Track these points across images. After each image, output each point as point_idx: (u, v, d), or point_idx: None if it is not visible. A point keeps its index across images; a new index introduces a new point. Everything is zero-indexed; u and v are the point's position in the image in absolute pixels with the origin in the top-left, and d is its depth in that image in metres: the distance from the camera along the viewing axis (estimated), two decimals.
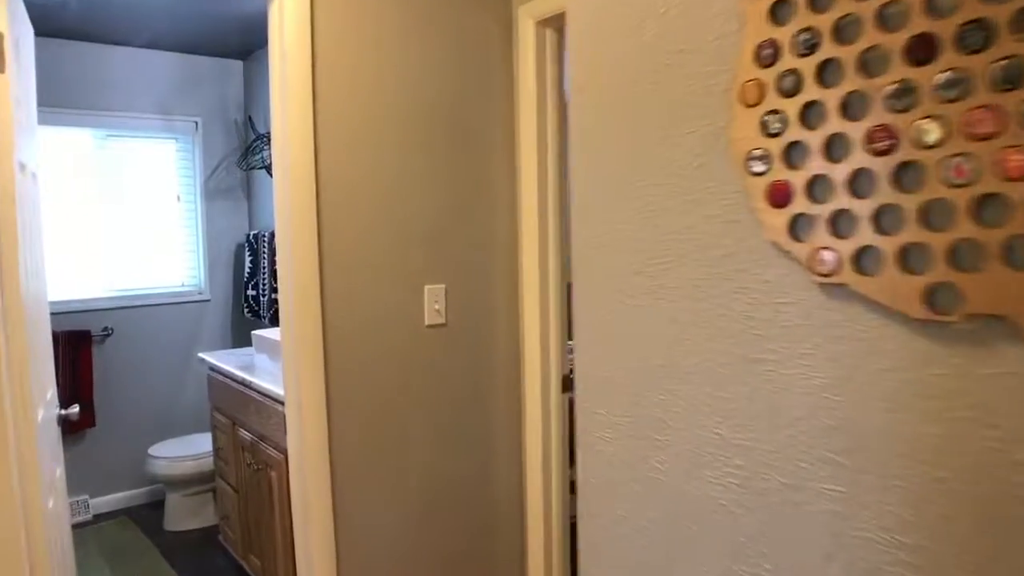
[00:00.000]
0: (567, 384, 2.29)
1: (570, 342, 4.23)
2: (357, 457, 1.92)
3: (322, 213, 1.81)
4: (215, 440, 2.99)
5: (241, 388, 2.62)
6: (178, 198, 3.84)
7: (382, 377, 1.94)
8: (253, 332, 2.78)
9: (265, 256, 3.62)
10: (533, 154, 2.15)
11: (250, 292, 3.77)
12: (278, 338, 2.58)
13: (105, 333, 3.58)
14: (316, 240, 1.80)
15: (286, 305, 1.83)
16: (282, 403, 2.21)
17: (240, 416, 2.66)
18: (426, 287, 2.01)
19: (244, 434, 2.63)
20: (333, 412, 1.87)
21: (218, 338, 3.91)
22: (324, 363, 1.83)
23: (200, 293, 3.88)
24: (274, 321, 3.49)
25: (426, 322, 2.02)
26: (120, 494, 3.67)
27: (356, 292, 1.88)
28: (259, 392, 2.47)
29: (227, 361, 2.86)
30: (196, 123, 3.83)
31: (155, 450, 3.34)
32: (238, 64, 3.94)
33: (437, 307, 2.03)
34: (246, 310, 3.80)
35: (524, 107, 2.16)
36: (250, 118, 3.83)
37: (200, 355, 2.99)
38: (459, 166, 2.06)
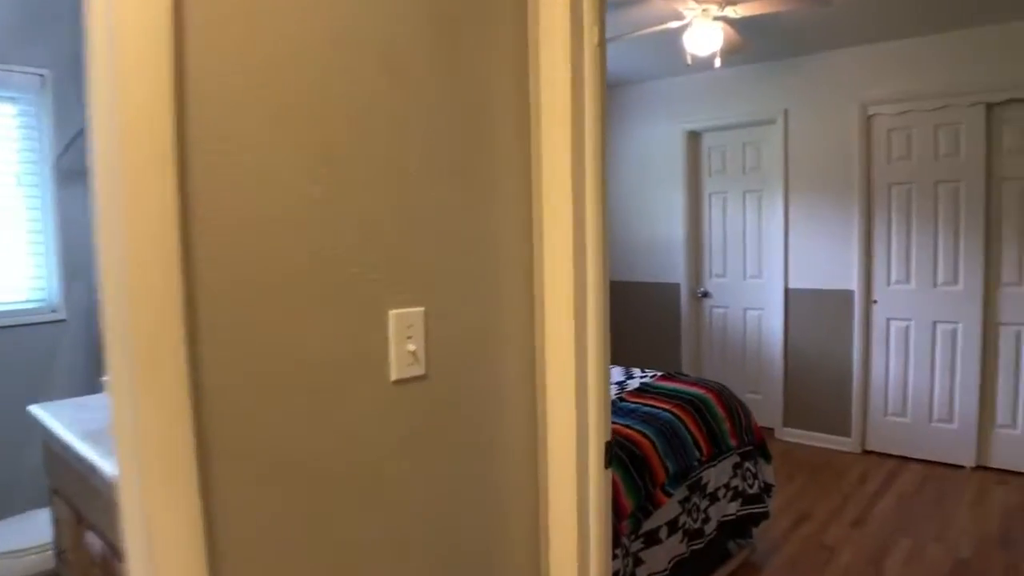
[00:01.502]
0: (609, 454, 1.47)
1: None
2: None
3: (191, 187, 0.91)
4: (56, 535, 2.01)
5: (87, 470, 1.66)
6: (18, 181, 2.79)
7: (315, 482, 1.06)
8: (103, 379, 1.81)
9: None
10: (563, 106, 1.31)
11: None
12: None
13: None
14: (176, 237, 0.90)
15: (119, 367, 0.92)
16: None
17: (87, 511, 1.70)
18: (391, 312, 1.14)
19: (93, 540, 1.67)
20: (221, 563, 0.98)
21: (78, 373, 2.87)
22: (196, 474, 0.94)
23: (52, 311, 2.84)
24: None
25: (393, 375, 1.14)
26: None
27: (263, 329, 0.99)
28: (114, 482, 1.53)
29: (70, 419, 1.88)
30: (42, 77, 2.79)
31: None
32: None
33: (412, 347, 1.16)
34: None
35: (547, 32, 1.32)
36: None
37: (31, 409, 2.00)
38: (444, 109, 1.19)
